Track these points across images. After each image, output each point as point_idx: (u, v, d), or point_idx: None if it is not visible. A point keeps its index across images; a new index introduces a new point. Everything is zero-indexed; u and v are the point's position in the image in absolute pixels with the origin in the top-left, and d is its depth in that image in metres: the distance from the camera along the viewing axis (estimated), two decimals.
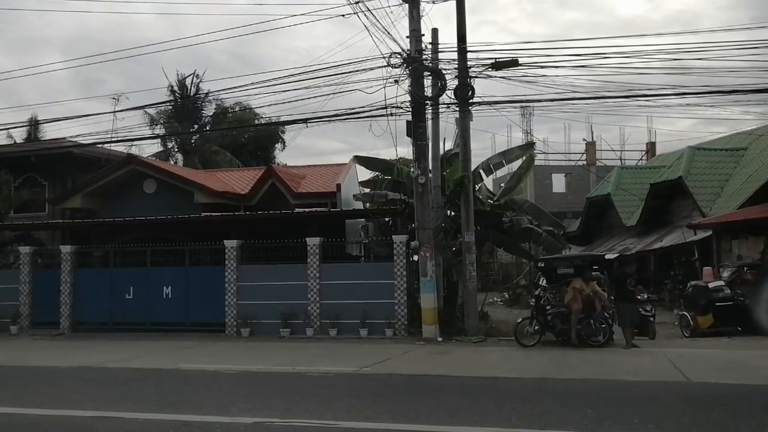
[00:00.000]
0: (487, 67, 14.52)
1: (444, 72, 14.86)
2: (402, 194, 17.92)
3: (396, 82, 14.49)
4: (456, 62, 14.90)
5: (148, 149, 32.45)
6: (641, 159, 37.97)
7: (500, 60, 14.41)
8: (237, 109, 32.87)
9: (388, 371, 10.55)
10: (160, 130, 33.15)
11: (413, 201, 15.60)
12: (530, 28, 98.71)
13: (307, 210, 18.93)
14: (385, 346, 13.83)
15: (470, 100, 15.00)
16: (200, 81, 34.21)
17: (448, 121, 17.36)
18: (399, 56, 14.43)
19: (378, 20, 14.52)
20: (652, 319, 14.90)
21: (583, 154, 38.74)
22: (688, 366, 10.29)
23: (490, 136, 75.05)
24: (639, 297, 14.22)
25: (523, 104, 22.32)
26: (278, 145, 37.24)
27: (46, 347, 15.32)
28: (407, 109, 14.91)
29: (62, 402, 8.13)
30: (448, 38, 50.08)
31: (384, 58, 14.31)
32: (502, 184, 20.67)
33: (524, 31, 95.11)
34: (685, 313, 15.26)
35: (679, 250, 21.40)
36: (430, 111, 15.46)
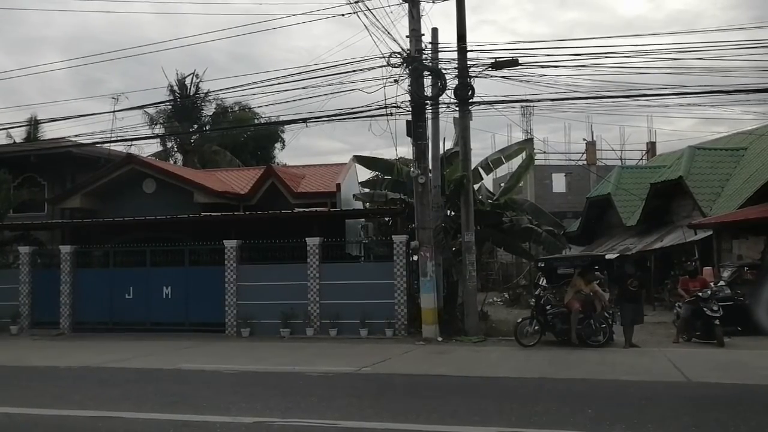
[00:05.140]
0: (487, 66, 14.52)
1: (444, 72, 14.86)
2: (402, 194, 17.92)
3: (396, 81, 14.50)
4: (456, 62, 14.90)
5: (148, 149, 32.44)
6: (641, 159, 37.95)
7: (500, 60, 14.40)
8: (237, 109, 32.88)
9: (388, 371, 10.56)
10: (159, 130, 33.12)
11: (413, 201, 15.60)
12: (530, 28, 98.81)
13: (307, 210, 18.92)
14: (385, 346, 13.84)
15: (470, 100, 15.00)
16: (200, 81, 34.24)
17: (448, 121, 17.40)
18: (399, 56, 14.44)
19: (378, 20, 14.54)
20: (717, 322, 12.73)
21: (583, 154, 38.71)
22: (688, 366, 10.30)
23: (490, 136, 75.23)
24: (700, 294, 13.02)
25: (523, 104, 22.30)
26: (278, 145, 37.28)
27: (46, 347, 15.32)
28: (407, 108, 14.91)
29: (63, 402, 8.13)
30: (448, 38, 50.08)
31: (384, 57, 14.34)
32: (502, 184, 20.69)
33: (524, 31, 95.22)
34: None
35: (679, 250, 21.39)
36: (430, 111, 15.47)
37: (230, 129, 32.87)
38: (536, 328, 13.36)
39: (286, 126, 21.00)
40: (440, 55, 15.36)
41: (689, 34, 19.57)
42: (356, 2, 13.92)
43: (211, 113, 34.69)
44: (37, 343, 16.16)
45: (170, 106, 33.06)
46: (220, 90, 59.72)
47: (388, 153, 76.45)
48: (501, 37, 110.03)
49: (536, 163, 26.21)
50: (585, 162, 37.60)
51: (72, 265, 18.16)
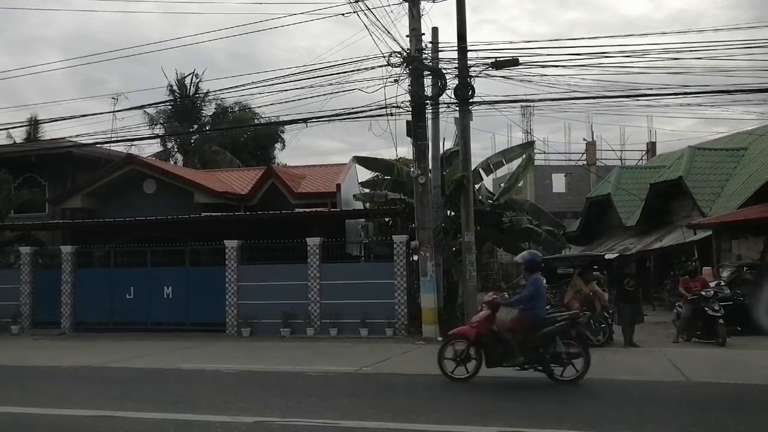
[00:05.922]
0: (487, 66, 14.53)
1: (444, 71, 14.87)
2: (402, 194, 17.95)
3: (396, 81, 14.51)
4: (456, 61, 14.91)
5: (148, 149, 32.54)
6: (641, 159, 38.01)
7: (500, 59, 14.41)
8: (237, 109, 32.90)
9: (388, 371, 10.56)
10: (159, 130, 33.15)
11: (413, 201, 15.61)
12: (531, 28, 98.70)
13: (307, 210, 18.94)
14: (386, 345, 13.85)
15: (470, 100, 15.00)
16: (200, 81, 34.30)
17: (448, 121, 17.39)
18: (399, 55, 14.45)
19: (378, 19, 14.60)
20: (721, 321, 12.68)
21: (583, 154, 38.78)
22: (688, 366, 10.30)
23: (490, 136, 75.26)
24: (703, 293, 12.93)
25: (523, 104, 22.32)
26: (278, 145, 37.29)
27: (47, 347, 15.32)
28: (407, 108, 14.92)
29: (64, 401, 8.14)
30: (448, 37, 50.07)
31: (384, 57, 14.34)
32: (502, 184, 20.75)
33: (525, 31, 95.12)
34: None
35: (678, 250, 21.41)
36: (430, 111, 15.48)
37: (230, 129, 32.89)
38: None
39: (286, 126, 21.02)
40: (440, 55, 15.39)
41: (689, 34, 19.55)
42: (356, 2, 13.93)
43: (211, 113, 34.75)
44: (38, 342, 16.17)
45: (170, 107, 33.07)
46: (220, 90, 59.75)
47: (388, 153, 76.57)
48: (501, 37, 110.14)
49: (536, 163, 26.23)
50: (585, 162, 37.64)
51: (73, 265, 18.18)
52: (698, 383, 9.08)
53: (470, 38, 16.48)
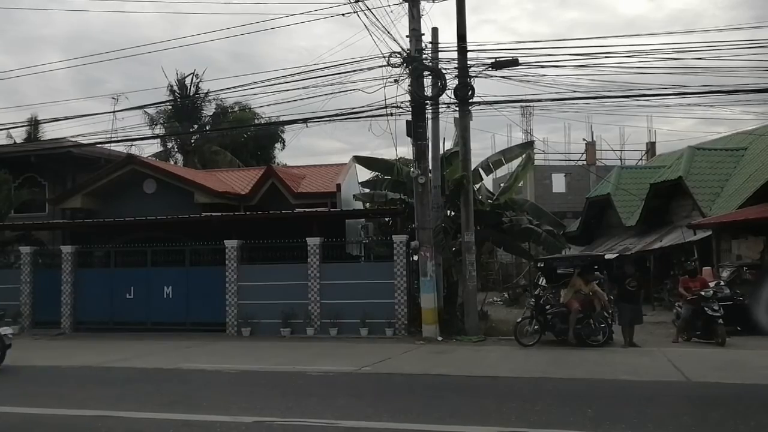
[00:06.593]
0: (487, 66, 14.53)
1: (444, 71, 14.87)
2: (402, 194, 17.94)
3: (396, 81, 14.52)
4: (456, 62, 14.91)
5: (148, 149, 32.55)
6: (641, 159, 37.97)
7: (500, 59, 14.41)
8: (237, 109, 32.89)
9: (388, 371, 10.57)
10: (159, 130, 33.14)
11: (413, 201, 15.61)
12: (531, 28, 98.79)
13: (307, 210, 18.93)
14: (385, 345, 13.85)
15: (470, 100, 15.00)
16: (200, 81, 34.28)
17: (448, 121, 17.41)
18: (399, 56, 14.46)
19: (378, 19, 14.61)
20: (721, 321, 12.69)
21: (583, 154, 38.73)
22: (688, 366, 10.31)
23: (490, 136, 75.33)
24: (703, 293, 12.96)
25: (523, 104, 22.34)
26: (278, 145, 37.26)
27: (47, 347, 15.32)
28: (407, 108, 14.92)
29: (63, 401, 8.15)
30: (448, 37, 50.12)
31: (384, 57, 14.35)
32: (502, 184, 20.76)
33: (525, 31, 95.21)
34: None
35: (678, 250, 21.40)
36: (430, 111, 15.48)
37: (230, 129, 32.88)
38: (536, 327, 13.37)
39: (286, 126, 21.03)
40: (440, 55, 15.38)
41: (689, 34, 19.58)
42: (356, 2, 13.94)
43: (211, 113, 34.73)
44: (38, 342, 16.16)
45: (170, 107, 33.07)
46: (221, 90, 59.85)
47: (388, 153, 76.54)
48: (501, 37, 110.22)
49: (536, 163, 26.21)
50: (585, 162, 37.61)
51: (73, 265, 18.18)
52: (698, 383, 9.08)
53: (470, 38, 16.54)
